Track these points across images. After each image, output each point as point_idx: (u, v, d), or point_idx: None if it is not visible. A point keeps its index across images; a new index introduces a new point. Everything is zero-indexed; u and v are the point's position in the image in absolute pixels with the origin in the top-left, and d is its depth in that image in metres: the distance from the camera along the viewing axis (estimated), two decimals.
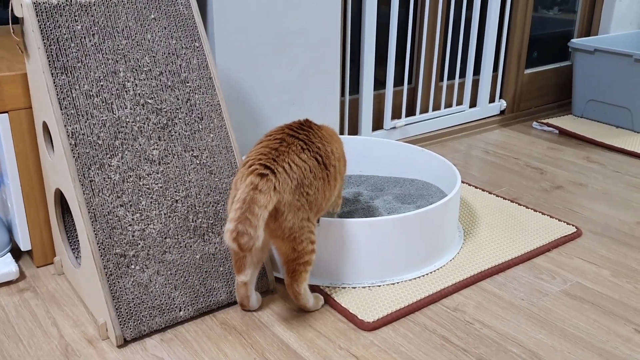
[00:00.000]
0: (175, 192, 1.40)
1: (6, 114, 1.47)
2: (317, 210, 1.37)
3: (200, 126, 1.47)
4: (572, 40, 2.85)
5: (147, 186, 1.37)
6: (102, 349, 1.31)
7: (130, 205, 1.34)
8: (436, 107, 2.63)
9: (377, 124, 2.46)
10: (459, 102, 2.70)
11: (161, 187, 1.39)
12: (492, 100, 2.82)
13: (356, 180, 2.03)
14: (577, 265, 1.65)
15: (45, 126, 1.40)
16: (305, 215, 1.31)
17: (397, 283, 1.53)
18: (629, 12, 3.12)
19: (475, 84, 2.74)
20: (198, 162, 1.45)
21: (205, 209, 1.43)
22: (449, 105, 2.67)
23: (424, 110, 2.59)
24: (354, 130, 2.39)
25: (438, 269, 1.60)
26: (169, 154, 1.41)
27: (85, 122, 1.33)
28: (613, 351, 1.32)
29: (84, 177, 1.31)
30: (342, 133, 2.32)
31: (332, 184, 1.40)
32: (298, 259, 1.33)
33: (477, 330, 1.38)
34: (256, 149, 1.34)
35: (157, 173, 1.39)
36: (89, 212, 1.30)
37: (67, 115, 1.31)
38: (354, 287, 1.51)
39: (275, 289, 1.52)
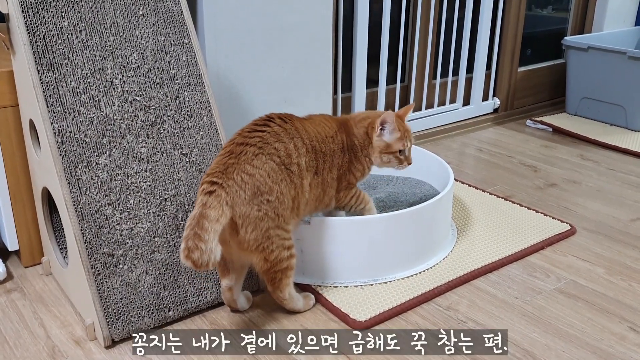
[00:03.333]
0: (164, 190, 1.38)
1: None
2: (290, 214, 1.29)
3: (190, 124, 1.45)
4: (565, 37, 2.84)
5: (136, 184, 1.35)
6: (90, 350, 1.29)
7: (118, 204, 1.32)
8: (429, 105, 2.62)
9: None
10: (452, 100, 2.69)
11: (150, 186, 1.37)
12: (485, 98, 2.81)
13: None
14: (571, 263, 1.64)
15: (31, 124, 1.38)
16: (271, 224, 1.25)
17: (390, 282, 1.52)
18: (622, 10, 3.11)
19: (469, 82, 2.72)
20: (187, 160, 1.43)
21: None
22: (442, 103, 2.65)
23: (417, 108, 2.58)
24: None
25: (431, 268, 1.58)
26: (158, 151, 1.39)
27: (72, 119, 1.31)
28: (607, 349, 1.31)
29: (71, 176, 1.29)
30: None
31: (297, 182, 1.31)
32: (274, 267, 1.29)
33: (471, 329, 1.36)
34: (210, 167, 1.29)
35: (146, 171, 1.37)
36: (76, 211, 1.28)
37: (54, 113, 1.29)
38: (346, 286, 1.50)
39: (266, 288, 1.49)
